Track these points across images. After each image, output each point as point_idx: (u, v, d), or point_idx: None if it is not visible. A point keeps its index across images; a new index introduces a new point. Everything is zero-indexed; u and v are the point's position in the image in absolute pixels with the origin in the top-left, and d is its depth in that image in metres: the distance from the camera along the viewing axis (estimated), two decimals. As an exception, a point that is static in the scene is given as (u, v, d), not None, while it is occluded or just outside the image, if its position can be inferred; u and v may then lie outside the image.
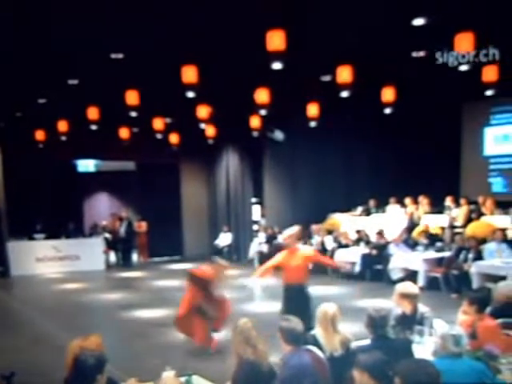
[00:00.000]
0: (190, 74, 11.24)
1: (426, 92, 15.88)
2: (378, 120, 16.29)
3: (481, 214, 15.59)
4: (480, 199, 16.21)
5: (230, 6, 9.34)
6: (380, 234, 16.17)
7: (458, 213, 16.12)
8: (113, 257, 22.03)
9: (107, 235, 21.98)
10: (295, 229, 9.45)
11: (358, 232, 17.16)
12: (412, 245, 15.42)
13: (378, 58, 12.08)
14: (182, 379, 4.95)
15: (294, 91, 14.79)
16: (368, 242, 16.50)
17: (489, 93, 11.85)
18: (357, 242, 16.93)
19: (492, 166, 18.21)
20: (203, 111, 15.68)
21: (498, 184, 18.12)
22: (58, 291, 16.49)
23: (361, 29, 10.43)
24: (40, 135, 18.46)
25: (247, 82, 13.34)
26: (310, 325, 6.57)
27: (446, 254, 14.27)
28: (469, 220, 15.59)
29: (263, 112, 14.43)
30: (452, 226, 15.68)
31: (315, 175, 20.12)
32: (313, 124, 15.77)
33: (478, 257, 13.34)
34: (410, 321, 6.25)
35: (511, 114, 17.68)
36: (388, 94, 13.67)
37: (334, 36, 10.79)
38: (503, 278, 10.86)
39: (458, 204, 16.44)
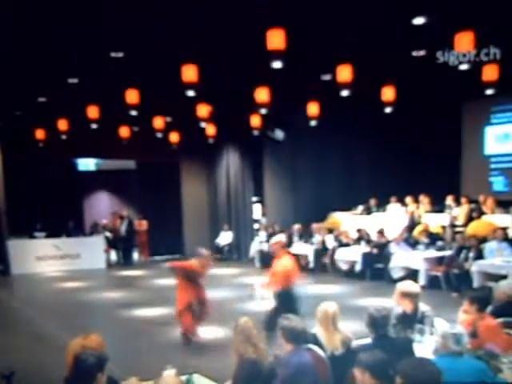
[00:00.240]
0: (190, 72, 11.24)
1: (426, 91, 15.88)
2: (379, 119, 16.27)
3: (481, 213, 15.58)
4: (481, 198, 16.21)
5: (229, 5, 9.34)
6: (381, 232, 16.16)
7: (459, 212, 16.12)
8: (114, 255, 22.03)
9: (108, 234, 21.98)
10: (281, 237, 9.81)
11: (359, 231, 17.15)
12: (413, 244, 15.41)
13: (378, 57, 12.07)
14: (183, 378, 4.95)
15: (294, 90, 14.79)
16: (369, 241, 16.49)
17: (489, 92, 11.82)
18: (357, 240, 16.92)
19: (493, 165, 18.20)
20: (203, 110, 15.68)
21: (498, 183, 18.12)
22: (58, 290, 16.50)
23: (361, 28, 10.42)
24: (40, 134, 18.47)
25: (247, 81, 13.34)
26: None
27: (447, 252, 14.26)
28: (469, 219, 15.59)
29: (263, 111, 14.44)
30: (453, 225, 15.68)
31: (315, 174, 20.11)
32: (313, 123, 15.76)
33: (479, 256, 13.34)
34: (411, 320, 6.25)
35: (512, 113, 17.69)
36: (388, 93, 13.66)
37: (334, 35, 10.78)
38: (504, 276, 10.83)
39: (458, 203, 16.44)
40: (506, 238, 13.56)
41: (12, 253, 19.34)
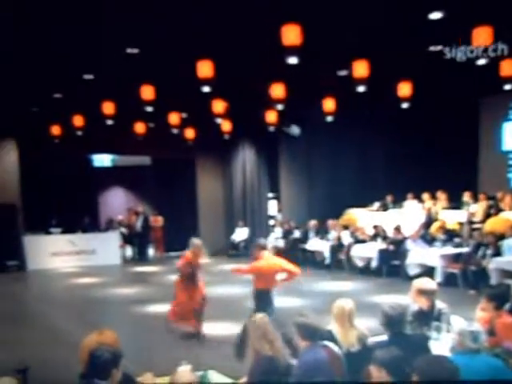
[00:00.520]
0: (205, 68, 11.23)
1: (443, 86, 15.74)
2: (395, 115, 16.18)
3: (499, 210, 15.44)
4: (499, 195, 16.07)
5: (245, 1, 9.31)
6: (397, 229, 16.08)
7: (477, 208, 15.99)
8: (129, 251, 22.10)
9: (123, 230, 22.04)
10: (260, 240, 9.59)
11: (375, 227, 17.07)
12: (429, 240, 15.33)
13: (395, 52, 11.99)
14: (198, 374, 4.93)
15: (310, 86, 14.73)
16: (385, 238, 16.42)
17: (507, 87, 11.71)
18: (374, 237, 16.85)
19: (511, 161, 18.01)
20: (219, 106, 15.65)
21: (516, 179, 17.94)
22: (73, 285, 16.57)
23: (377, 23, 10.35)
24: (56, 130, 18.56)
25: (263, 77, 13.30)
26: None
27: (464, 249, 14.17)
28: (487, 215, 15.45)
29: (279, 107, 14.37)
30: (470, 222, 15.56)
31: (331, 170, 20.07)
32: (329, 119, 15.71)
33: (497, 253, 13.23)
34: (428, 317, 6.19)
35: (530, 109, 17.50)
36: (404, 89, 13.58)
37: (350, 30, 10.72)
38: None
39: (476, 199, 16.31)
40: (524, 235, 13.45)
41: (28, 248, 19.47)
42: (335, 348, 5.34)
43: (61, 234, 20.60)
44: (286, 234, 19.75)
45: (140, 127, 18.59)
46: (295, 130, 19.80)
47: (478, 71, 11.33)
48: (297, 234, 19.56)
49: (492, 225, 14.56)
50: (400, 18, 10.22)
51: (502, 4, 9.37)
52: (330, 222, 18.41)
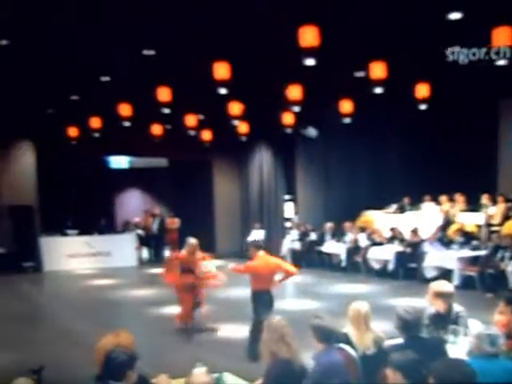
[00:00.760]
0: (222, 70, 11.23)
1: (461, 88, 15.61)
2: (412, 116, 16.08)
3: (518, 212, 15.34)
4: (517, 197, 15.95)
5: (263, 2, 9.29)
6: (414, 232, 15.98)
7: (495, 211, 15.85)
8: (145, 253, 22.14)
9: (140, 232, 22.09)
10: (257, 240, 10.17)
11: (392, 230, 16.99)
12: (447, 243, 15.23)
13: (412, 53, 11.91)
14: (214, 376, 4.91)
15: (327, 87, 14.68)
16: (402, 240, 16.34)
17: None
18: (390, 239, 16.78)
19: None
20: (235, 108, 15.64)
21: (535, 182, 17.75)
22: (88, 287, 16.64)
23: (394, 23, 10.29)
24: (72, 132, 18.65)
25: (280, 78, 13.27)
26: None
27: (482, 252, 14.08)
28: (506, 218, 15.33)
29: (296, 108, 14.35)
30: (488, 224, 15.45)
31: (348, 172, 20.01)
32: (346, 120, 15.66)
33: (515, 255, 13.14)
34: (445, 320, 6.13)
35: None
36: (422, 90, 13.50)
37: (367, 31, 10.66)
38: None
39: (494, 202, 16.18)
40: (543, 238, 13.33)
41: (44, 250, 19.57)
42: (351, 351, 5.30)
43: (77, 235, 20.67)
44: (303, 236, 19.71)
45: (157, 129, 18.62)
46: (312, 131, 19.76)
47: (498, 72, 11.22)
48: (313, 236, 19.53)
49: (510, 227, 14.44)
50: (418, 19, 10.14)
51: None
52: (347, 224, 18.36)
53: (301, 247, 19.46)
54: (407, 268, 15.63)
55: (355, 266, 17.29)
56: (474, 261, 14.06)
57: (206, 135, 20.08)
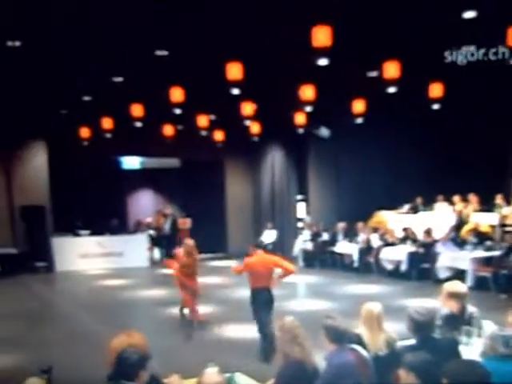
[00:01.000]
0: (234, 70, 11.23)
1: (475, 86, 15.52)
2: (426, 116, 15.99)
3: (532, 213, 15.24)
4: (531, 197, 15.86)
5: (275, 2, 9.27)
6: (428, 232, 15.91)
7: (509, 211, 15.76)
8: (157, 253, 22.15)
9: (151, 232, 22.10)
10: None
11: (405, 230, 16.93)
12: (460, 243, 15.15)
13: (427, 52, 11.83)
14: (225, 376, 4.89)
15: (340, 87, 14.64)
16: (415, 241, 16.27)
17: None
18: (403, 240, 16.71)
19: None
20: (248, 108, 15.63)
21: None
22: (100, 287, 16.68)
23: (408, 22, 10.23)
24: (85, 132, 18.71)
25: (292, 79, 13.25)
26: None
27: (496, 253, 13.99)
28: (520, 218, 15.26)
29: (308, 108, 14.33)
30: (502, 225, 15.35)
31: (360, 172, 19.94)
32: (359, 120, 15.61)
33: (529, 256, 13.06)
34: (458, 321, 6.08)
35: None
36: (436, 90, 13.43)
37: (380, 30, 10.62)
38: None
39: (508, 202, 16.09)
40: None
41: (56, 250, 19.65)
42: (363, 351, 5.28)
43: (89, 235, 20.70)
44: (315, 237, 19.67)
45: (169, 129, 18.65)
46: (324, 131, 19.73)
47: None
48: (325, 236, 19.49)
49: (524, 228, 14.38)
50: (433, 17, 10.07)
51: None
52: (359, 225, 18.32)
53: (313, 247, 19.42)
54: (420, 268, 15.57)
55: (367, 266, 17.24)
56: (487, 261, 13.98)
57: (218, 135, 20.08)
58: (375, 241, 17.39)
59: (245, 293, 13.50)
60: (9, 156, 19.66)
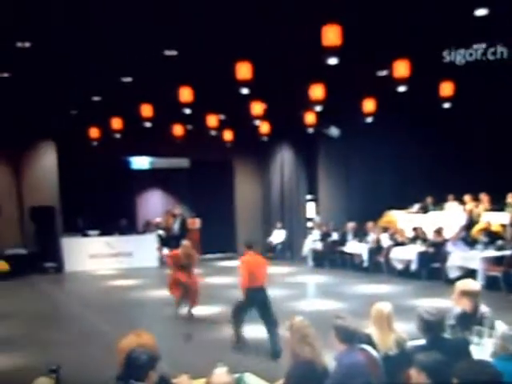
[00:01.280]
0: (244, 70, 11.21)
1: (485, 85, 15.44)
2: (436, 115, 15.93)
3: (544, 212, 15.14)
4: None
5: (285, 1, 9.25)
6: (438, 232, 15.84)
7: (521, 210, 15.69)
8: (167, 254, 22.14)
9: (161, 232, 22.10)
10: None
11: (415, 229, 16.87)
12: (470, 243, 15.08)
13: (438, 50, 11.78)
14: (235, 376, 4.88)
15: (350, 87, 14.60)
16: (425, 240, 16.21)
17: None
18: (413, 239, 16.65)
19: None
20: (257, 108, 15.61)
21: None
22: (109, 287, 16.71)
23: (419, 20, 10.17)
24: (94, 133, 18.76)
25: (302, 78, 13.22)
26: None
27: (507, 252, 13.90)
28: (531, 218, 15.15)
29: (318, 108, 14.29)
30: (513, 224, 15.26)
31: (370, 171, 19.90)
32: (369, 120, 15.57)
33: (541, 256, 12.98)
34: (470, 320, 6.03)
35: None
36: (446, 89, 13.37)
37: (390, 29, 10.58)
38: None
39: (520, 201, 16.00)
40: None
41: (65, 250, 19.71)
42: (373, 351, 5.25)
43: (98, 236, 20.73)
44: (324, 237, 19.63)
45: (178, 129, 18.67)
46: (334, 131, 19.68)
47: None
48: (335, 236, 19.45)
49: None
50: (443, 14, 10.02)
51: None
52: (369, 224, 18.27)
53: (322, 247, 19.38)
54: (430, 268, 15.50)
55: (377, 266, 17.19)
56: (498, 261, 13.90)
57: (228, 135, 20.09)
58: (385, 240, 17.34)
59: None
60: (18, 156, 19.75)
